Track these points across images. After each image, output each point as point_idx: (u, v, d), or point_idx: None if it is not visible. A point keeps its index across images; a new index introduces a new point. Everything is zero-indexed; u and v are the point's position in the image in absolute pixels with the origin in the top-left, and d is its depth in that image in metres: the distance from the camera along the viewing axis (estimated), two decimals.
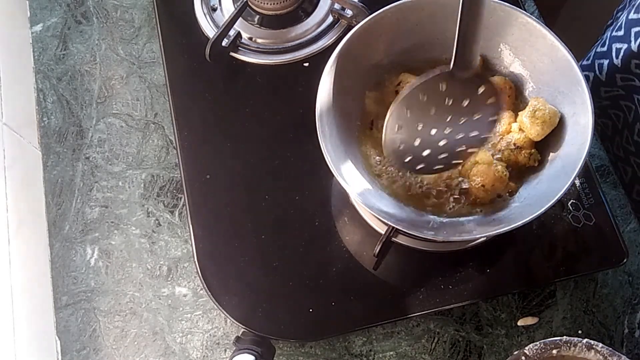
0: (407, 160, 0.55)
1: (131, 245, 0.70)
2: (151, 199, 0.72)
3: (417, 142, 0.54)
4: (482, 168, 0.58)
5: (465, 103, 0.53)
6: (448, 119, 0.53)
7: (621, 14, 0.79)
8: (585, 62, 0.78)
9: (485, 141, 0.56)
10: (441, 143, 0.54)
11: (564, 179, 0.53)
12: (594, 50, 0.76)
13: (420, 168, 0.56)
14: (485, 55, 0.62)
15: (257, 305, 0.63)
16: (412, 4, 0.59)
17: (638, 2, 0.68)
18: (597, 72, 0.74)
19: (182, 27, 0.76)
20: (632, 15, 0.68)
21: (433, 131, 0.54)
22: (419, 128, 0.54)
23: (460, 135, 0.54)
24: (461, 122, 0.54)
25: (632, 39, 0.67)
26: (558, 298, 0.67)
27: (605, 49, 0.73)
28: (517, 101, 0.62)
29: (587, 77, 0.76)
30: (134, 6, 0.82)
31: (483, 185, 0.57)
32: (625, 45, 0.68)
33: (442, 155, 0.55)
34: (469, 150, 0.56)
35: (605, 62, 0.72)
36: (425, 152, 0.55)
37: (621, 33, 0.69)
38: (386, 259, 0.65)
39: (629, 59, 0.68)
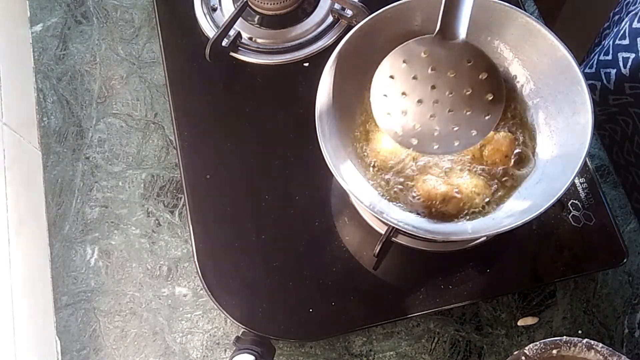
0: (399, 132, 0.55)
1: (131, 245, 0.70)
2: (151, 199, 0.72)
3: (404, 113, 0.54)
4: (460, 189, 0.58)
5: (451, 75, 0.53)
6: (432, 88, 0.53)
7: (619, 18, 0.79)
8: (589, 70, 0.78)
9: (479, 139, 0.56)
10: (431, 117, 0.54)
11: (563, 178, 0.53)
12: (595, 57, 0.76)
13: (416, 144, 0.55)
14: None
15: (257, 305, 0.63)
16: (412, 4, 0.59)
17: None
18: (605, 81, 0.74)
19: (182, 27, 0.76)
20: (637, 24, 0.68)
21: (418, 101, 0.54)
22: (404, 96, 0.54)
23: (450, 111, 0.54)
24: (448, 94, 0.54)
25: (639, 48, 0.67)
26: (558, 298, 0.67)
27: (610, 57, 0.73)
28: (513, 111, 0.62)
29: (594, 86, 0.77)
30: (134, 6, 0.82)
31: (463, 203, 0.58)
32: (632, 55, 0.69)
33: (436, 133, 0.55)
34: (463, 148, 0.55)
35: (613, 71, 0.72)
36: (417, 126, 0.55)
37: (626, 42, 0.70)
38: (386, 259, 0.65)
39: (637, 68, 0.68)
